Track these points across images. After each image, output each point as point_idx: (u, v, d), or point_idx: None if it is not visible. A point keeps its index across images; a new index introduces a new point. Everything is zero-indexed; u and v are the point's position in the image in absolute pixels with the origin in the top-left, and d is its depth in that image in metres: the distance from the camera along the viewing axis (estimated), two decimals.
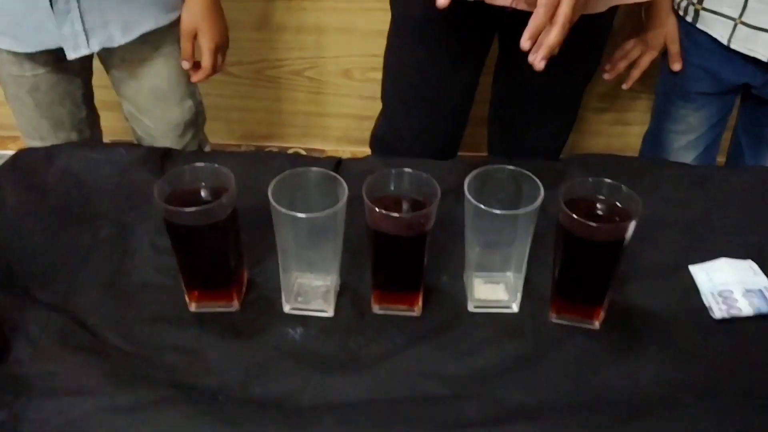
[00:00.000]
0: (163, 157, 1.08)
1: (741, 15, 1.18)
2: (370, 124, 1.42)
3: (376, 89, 1.36)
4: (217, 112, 1.74)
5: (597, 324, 0.84)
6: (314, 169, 0.82)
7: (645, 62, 1.39)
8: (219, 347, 0.82)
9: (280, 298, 0.86)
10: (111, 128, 1.53)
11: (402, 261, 0.83)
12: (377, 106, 1.38)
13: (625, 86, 1.47)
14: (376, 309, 0.86)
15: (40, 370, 0.78)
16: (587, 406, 0.75)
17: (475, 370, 0.79)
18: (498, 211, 0.77)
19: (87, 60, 1.28)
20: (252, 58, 1.91)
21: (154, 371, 0.79)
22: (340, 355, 0.81)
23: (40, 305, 0.85)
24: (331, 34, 1.89)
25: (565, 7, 0.82)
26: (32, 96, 1.24)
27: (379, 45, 1.29)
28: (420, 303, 0.85)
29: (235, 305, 0.86)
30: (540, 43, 0.83)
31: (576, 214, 0.75)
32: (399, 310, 0.85)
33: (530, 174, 0.81)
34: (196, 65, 1.26)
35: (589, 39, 1.16)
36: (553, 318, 0.85)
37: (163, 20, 1.21)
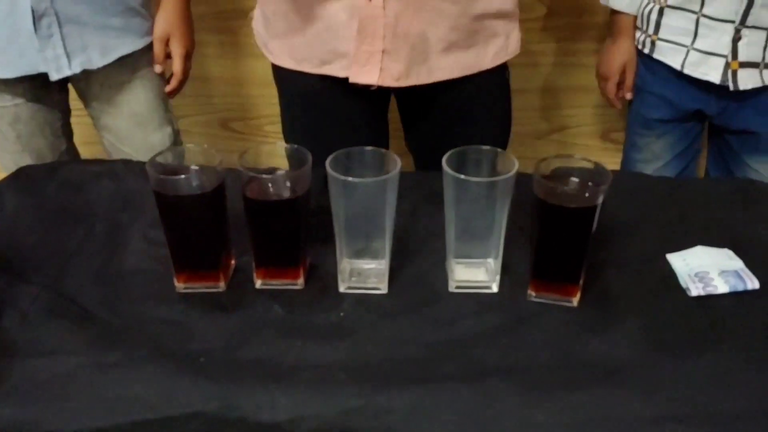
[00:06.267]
0: None
1: (693, 42, 1.27)
2: None
3: None
4: None
5: (575, 302, 0.85)
6: None
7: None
8: (203, 320, 0.83)
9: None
10: None
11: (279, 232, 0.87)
12: None
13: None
14: (259, 284, 0.89)
15: (26, 336, 0.80)
16: (564, 367, 0.76)
17: (454, 337, 0.80)
18: (477, 179, 0.80)
19: (64, 94, 1.37)
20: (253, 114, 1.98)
21: (138, 338, 0.80)
22: (320, 325, 0.83)
23: (31, 284, 0.88)
24: None
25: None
26: (13, 128, 1.31)
27: None
28: (302, 277, 0.88)
29: (222, 286, 0.88)
30: None
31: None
32: (281, 285, 0.88)
33: (505, 152, 0.85)
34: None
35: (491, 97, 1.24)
36: (532, 297, 0.86)
37: (139, 44, 1.33)
